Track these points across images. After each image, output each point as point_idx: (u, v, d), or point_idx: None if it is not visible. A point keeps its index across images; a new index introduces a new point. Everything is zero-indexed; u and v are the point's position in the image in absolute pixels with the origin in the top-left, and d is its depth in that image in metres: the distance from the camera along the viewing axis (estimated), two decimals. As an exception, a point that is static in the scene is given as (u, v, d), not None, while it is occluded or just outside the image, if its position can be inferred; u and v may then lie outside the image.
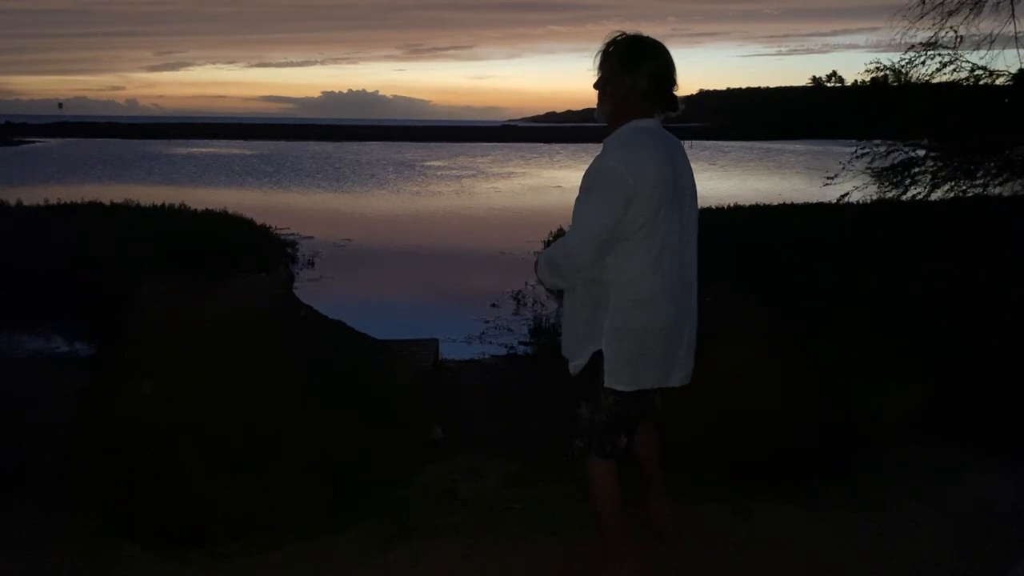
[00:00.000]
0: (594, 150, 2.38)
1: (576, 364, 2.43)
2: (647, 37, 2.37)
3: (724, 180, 29.38)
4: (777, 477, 3.24)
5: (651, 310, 2.33)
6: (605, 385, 2.37)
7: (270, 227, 13.43)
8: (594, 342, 2.36)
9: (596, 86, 2.41)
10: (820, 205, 14.49)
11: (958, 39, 9.20)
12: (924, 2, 9.16)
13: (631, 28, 2.40)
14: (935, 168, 9.53)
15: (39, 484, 3.30)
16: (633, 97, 2.33)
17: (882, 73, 9.90)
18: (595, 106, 2.45)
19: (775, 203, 16.44)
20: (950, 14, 9.14)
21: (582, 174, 2.34)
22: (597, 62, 2.39)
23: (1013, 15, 9.16)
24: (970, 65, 9.30)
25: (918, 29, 9.29)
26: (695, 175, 2.50)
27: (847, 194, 10.39)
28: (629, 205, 2.23)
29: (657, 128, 2.37)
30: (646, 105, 2.35)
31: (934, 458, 3.67)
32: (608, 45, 2.37)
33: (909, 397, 4.20)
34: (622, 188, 2.22)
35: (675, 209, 2.33)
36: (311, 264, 11.33)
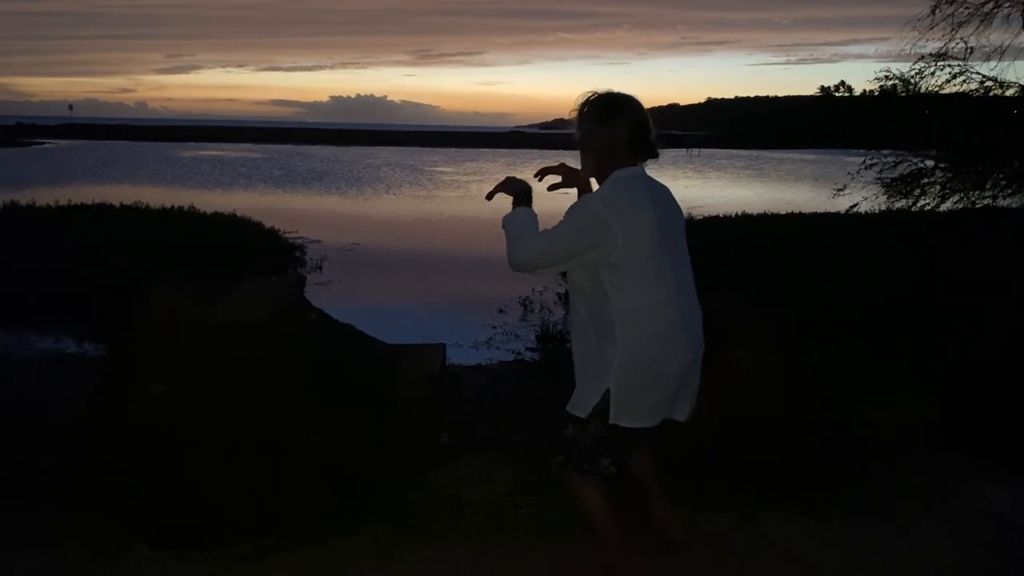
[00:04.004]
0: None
1: (587, 403, 2.40)
2: (618, 92, 2.47)
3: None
4: (784, 485, 3.23)
5: (666, 346, 2.36)
6: (609, 421, 2.37)
7: (278, 230, 13.48)
8: (604, 380, 2.37)
9: (577, 144, 2.50)
10: (828, 215, 14.48)
11: (968, 50, 9.18)
12: (934, 13, 9.14)
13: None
14: (944, 179, 9.50)
15: (46, 484, 3.31)
16: (614, 149, 2.41)
17: (891, 83, 9.90)
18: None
19: (783, 212, 16.43)
20: (960, 25, 9.12)
21: None
22: (576, 122, 2.48)
23: None
24: (980, 76, 9.29)
25: (928, 40, 9.27)
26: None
27: (856, 204, 10.39)
28: (600, 243, 2.30)
29: (641, 175, 2.45)
30: (627, 156, 2.42)
31: (943, 468, 3.65)
32: (583, 106, 2.46)
33: (917, 406, 4.18)
34: (594, 225, 2.30)
35: (667, 247, 2.39)
36: (319, 268, 11.36)
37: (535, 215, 2.47)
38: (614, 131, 2.40)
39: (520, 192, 2.51)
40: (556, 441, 2.50)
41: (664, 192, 2.49)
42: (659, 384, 2.38)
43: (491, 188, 2.57)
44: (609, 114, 2.41)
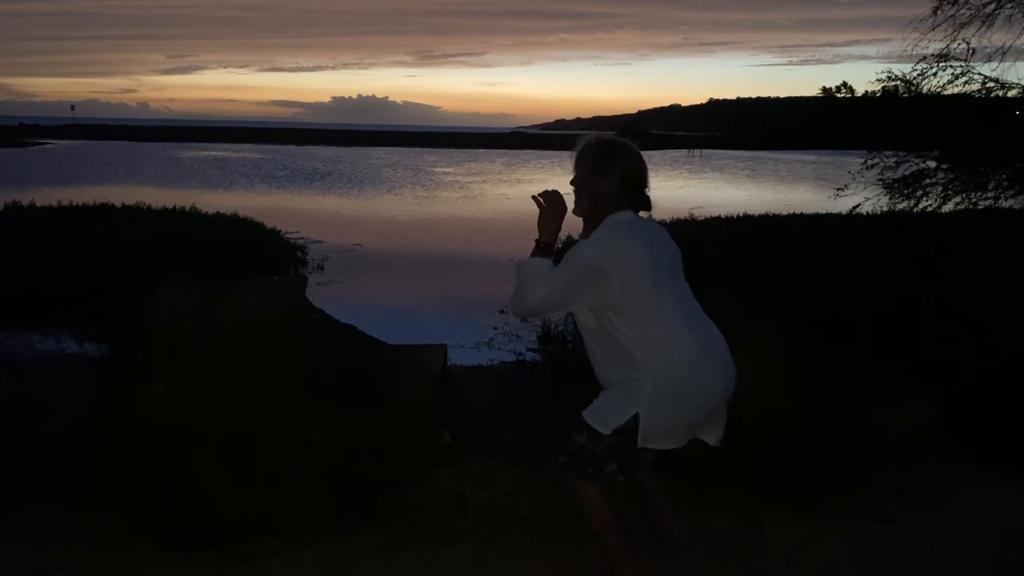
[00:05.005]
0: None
1: (611, 422, 2.39)
2: (617, 140, 2.50)
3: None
4: (787, 488, 3.24)
5: (694, 371, 2.36)
6: (639, 445, 2.38)
7: (280, 231, 13.47)
8: (633, 404, 2.36)
9: (572, 184, 2.53)
10: (831, 216, 14.46)
11: (970, 51, 9.21)
12: (936, 14, 9.17)
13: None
14: (946, 180, 9.52)
15: (52, 483, 3.32)
16: (607, 198, 2.45)
17: (893, 84, 9.92)
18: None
19: (783, 212, 16.40)
20: (962, 26, 9.15)
21: None
22: (573, 163, 2.51)
23: (1025, 28, 9.15)
24: (982, 77, 9.30)
25: (930, 41, 9.31)
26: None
27: (858, 205, 10.40)
28: (598, 288, 2.32)
29: (633, 218, 2.48)
30: (620, 205, 2.45)
31: (943, 470, 3.65)
32: (582, 149, 2.50)
33: (921, 410, 4.18)
34: (589, 272, 2.33)
35: (666, 284, 2.41)
36: (321, 268, 11.36)
37: (551, 267, 2.44)
38: (607, 179, 2.43)
39: (544, 240, 2.49)
40: (561, 443, 2.49)
41: (657, 231, 2.52)
42: (691, 410, 2.39)
43: (542, 193, 2.54)
44: (604, 163, 2.44)
